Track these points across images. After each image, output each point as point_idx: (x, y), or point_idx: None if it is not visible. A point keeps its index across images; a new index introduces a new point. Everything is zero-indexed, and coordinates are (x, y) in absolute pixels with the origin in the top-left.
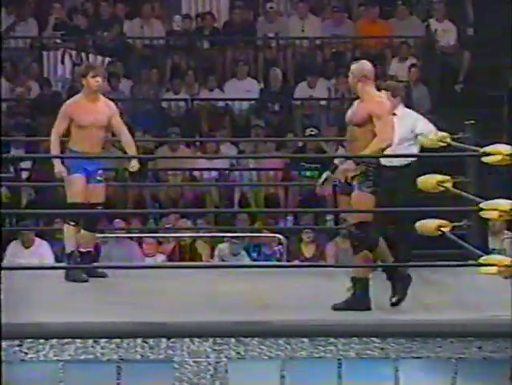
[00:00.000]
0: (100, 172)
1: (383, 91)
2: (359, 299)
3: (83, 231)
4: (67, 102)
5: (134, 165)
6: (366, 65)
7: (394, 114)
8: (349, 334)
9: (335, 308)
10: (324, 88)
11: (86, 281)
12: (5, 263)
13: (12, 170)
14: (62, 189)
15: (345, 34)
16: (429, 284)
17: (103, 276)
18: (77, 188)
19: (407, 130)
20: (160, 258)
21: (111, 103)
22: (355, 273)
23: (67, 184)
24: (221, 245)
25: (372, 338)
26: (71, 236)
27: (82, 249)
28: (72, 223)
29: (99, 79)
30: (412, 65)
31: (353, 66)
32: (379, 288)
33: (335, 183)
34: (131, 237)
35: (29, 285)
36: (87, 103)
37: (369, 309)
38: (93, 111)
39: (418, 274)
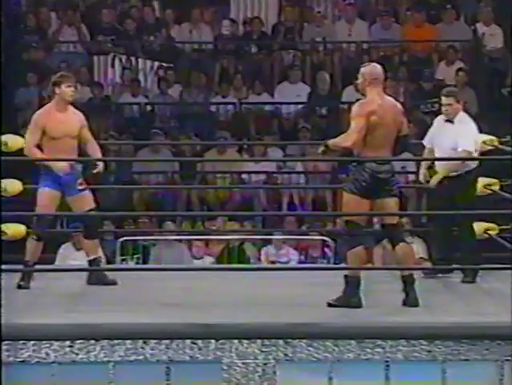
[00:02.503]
0: (80, 180)
1: (443, 97)
2: (349, 298)
3: (85, 240)
4: (38, 112)
5: (98, 167)
6: (377, 68)
7: (451, 121)
8: (397, 337)
9: (329, 304)
10: None
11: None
12: (56, 265)
13: None
14: (112, 191)
15: (392, 38)
16: (477, 287)
17: (114, 283)
18: (42, 202)
19: (453, 142)
20: (209, 260)
21: (80, 113)
22: (348, 272)
23: (37, 196)
24: (268, 248)
25: (420, 341)
26: (33, 250)
27: (89, 257)
28: (35, 237)
29: (73, 88)
30: (460, 69)
31: (363, 69)
32: (423, 290)
33: None
34: (180, 239)
35: (73, 287)
36: (58, 113)
37: (360, 307)
38: (64, 121)
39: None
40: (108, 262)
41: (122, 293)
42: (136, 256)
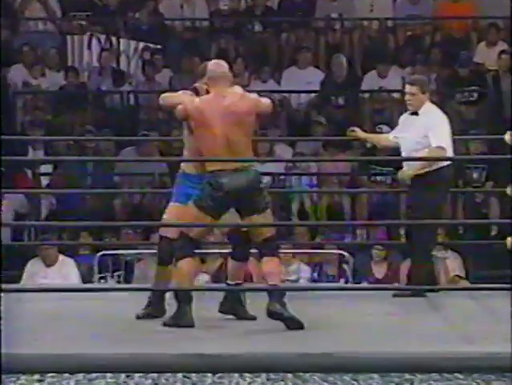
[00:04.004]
0: None
1: (407, 86)
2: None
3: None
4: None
5: None
6: (219, 64)
7: (416, 113)
8: (427, 369)
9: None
10: (397, 78)
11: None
12: (23, 284)
13: (30, 175)
14: (88, 198)
15: (422, 14)
16: None
17: (253, 318)
18: (170, 218)
19: (418, 134)
20: (204, 278)
21: None
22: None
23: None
24: None
25: (455, 374)
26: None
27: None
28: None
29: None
30: (502, 51)
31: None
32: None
33: None
34: None
35: (45, 309)
36: None
37: (192, 326)
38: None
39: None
40: (83, 281)
41: (102, 318)
42: (117, 273)
